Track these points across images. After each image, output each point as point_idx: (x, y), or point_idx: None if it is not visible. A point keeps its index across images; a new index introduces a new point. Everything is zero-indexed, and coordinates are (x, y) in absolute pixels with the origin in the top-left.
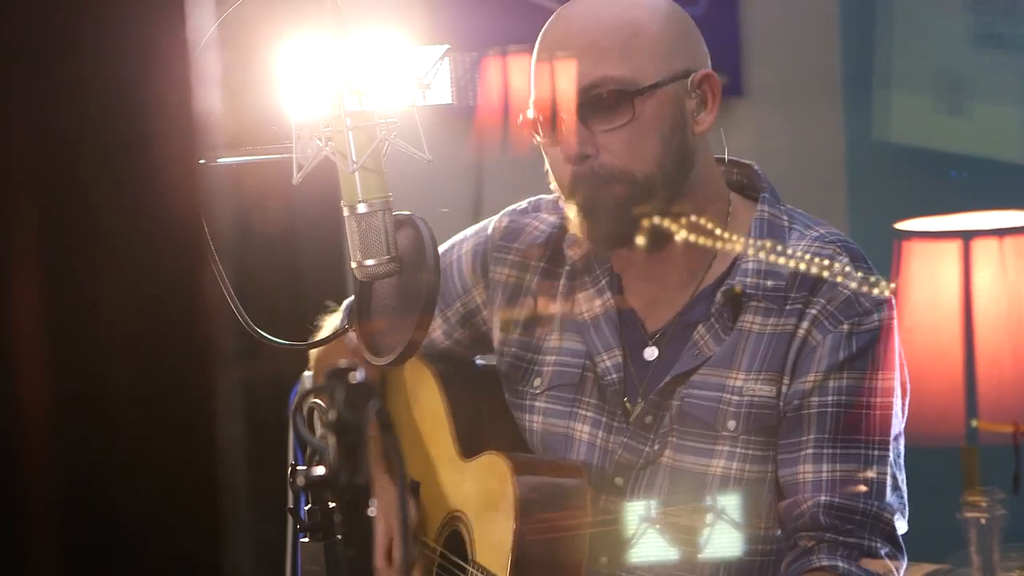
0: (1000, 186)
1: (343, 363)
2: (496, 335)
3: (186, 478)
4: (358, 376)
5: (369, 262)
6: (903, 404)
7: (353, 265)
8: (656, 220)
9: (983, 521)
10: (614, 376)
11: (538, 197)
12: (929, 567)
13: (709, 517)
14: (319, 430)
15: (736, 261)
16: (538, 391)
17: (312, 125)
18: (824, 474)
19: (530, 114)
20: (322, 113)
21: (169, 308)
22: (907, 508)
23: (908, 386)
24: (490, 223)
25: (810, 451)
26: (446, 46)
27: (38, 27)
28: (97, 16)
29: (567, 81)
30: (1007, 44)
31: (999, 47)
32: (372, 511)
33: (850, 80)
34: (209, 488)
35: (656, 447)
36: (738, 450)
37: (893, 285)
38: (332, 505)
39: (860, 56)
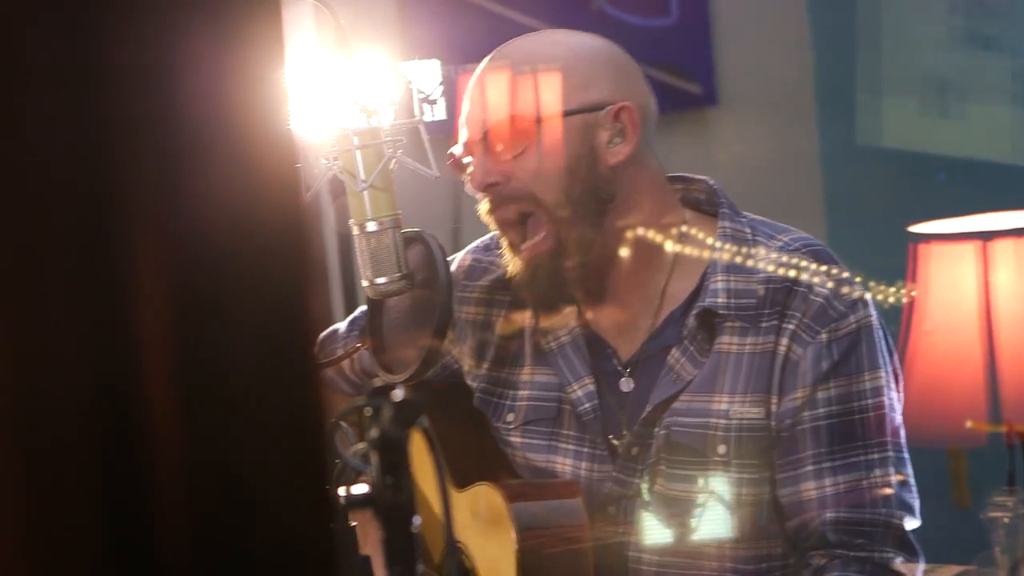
0: (988, 187)
1: (378, 381)
2: (467, 372)
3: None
4: (400, 394)
5: (380, 280)
6: (897, 396)
7: (364, 284)
8: (584, 264)
9: (1008, 521)
10: (587, 406)
11: None
12: (956, 568)
13: (709, 543)
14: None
15: (704, 281)
16: (512, 426)
17: (319, 144)
18: (827, 489)
19: (455, 151)
20: (328, 132)
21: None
22: (917, 500)
23: (900, 374)
24: (454, 261)
25: (810, 468)
26: (436, 61)
27: (149, 51)
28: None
29: (478, 114)
30: (996, 46)
31: (988, 48)
32: (416, 527)
33: (824, 85)
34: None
35: (646, 478)
36: (731, 474)
37: (914, 292)
38: (354, 524)
39: (835, 61)
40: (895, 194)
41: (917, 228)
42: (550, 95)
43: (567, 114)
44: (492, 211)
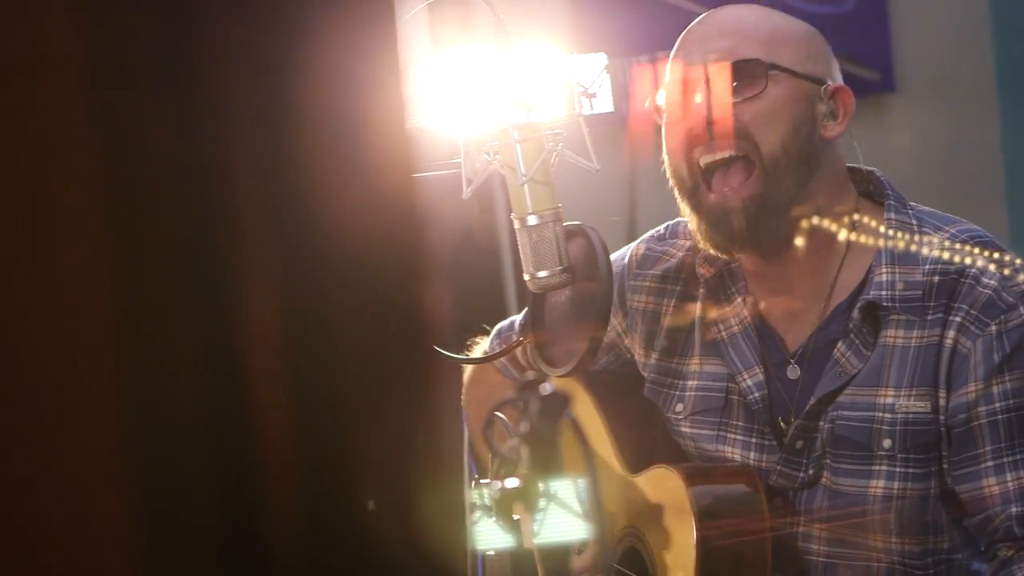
0: None
1: (530, 375)
2: (638, 361)
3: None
4: (548, 388)
5: (541, 274)
6: None
7: (526, 277)
8: (780, 220)
9: None
10: (757, 395)
11: (676, 220)
12: None
13: (878, 535)
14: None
15: (869, 273)
16: (681, 416)
17: (479, 139)
18: (1010, 484)
19: (660, 95)
20: (489, 127)
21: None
22: None
23: None
24: (628, 250)
25: (990, 463)
26: (602, 54)
27: (259, 48)
28: (310, 36)
29: (702, 56)
30: None
31: None
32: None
33: (1004, 70)
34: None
35: (811, 471)
36: (897, 469)
37: None
38: (516, 517)
39: (1015, 45)
40: None
41: None
42: (787, 52)
43: (799, 75)
44: (701, 146)
